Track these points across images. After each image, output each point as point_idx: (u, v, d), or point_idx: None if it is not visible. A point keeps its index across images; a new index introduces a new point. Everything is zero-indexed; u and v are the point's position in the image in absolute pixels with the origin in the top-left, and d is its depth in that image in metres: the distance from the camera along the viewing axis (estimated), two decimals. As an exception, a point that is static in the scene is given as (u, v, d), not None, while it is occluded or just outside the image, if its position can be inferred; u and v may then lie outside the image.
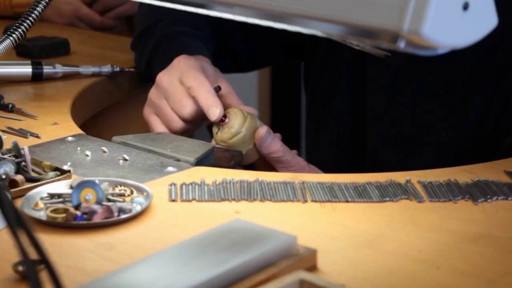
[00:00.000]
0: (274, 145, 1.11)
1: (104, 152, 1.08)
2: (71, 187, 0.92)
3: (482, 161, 1.06)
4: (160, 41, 1.33)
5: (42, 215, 0.88)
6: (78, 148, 1.09)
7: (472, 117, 1.18)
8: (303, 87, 1.46)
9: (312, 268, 0.77)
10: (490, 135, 1.17)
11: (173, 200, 0.93)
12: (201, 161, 1.05)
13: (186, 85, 1.16)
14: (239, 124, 1.11)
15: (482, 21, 0.64)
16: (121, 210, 0.88)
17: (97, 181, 0.90)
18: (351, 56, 1.28)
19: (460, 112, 1.19)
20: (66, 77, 1.41)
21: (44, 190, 0.92)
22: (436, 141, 1.21)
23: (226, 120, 1.11)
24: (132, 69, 1.45)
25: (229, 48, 1.42)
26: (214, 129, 1.13)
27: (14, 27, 1.13)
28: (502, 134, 1.16)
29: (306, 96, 1.44)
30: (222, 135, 1.11)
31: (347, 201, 0.93)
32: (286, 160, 1.12)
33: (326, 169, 1.15)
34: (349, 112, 1.30)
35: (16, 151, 1.00)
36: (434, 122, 1.21)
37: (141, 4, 1.46)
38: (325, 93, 1.35)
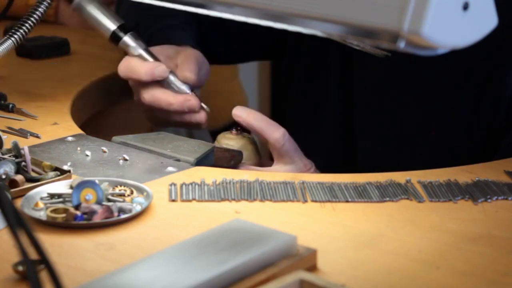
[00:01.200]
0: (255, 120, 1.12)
1: (104, 152, 1.08)
2: (71, 187, 0.92)
3: (475, 159, 1.06)
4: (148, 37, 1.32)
5: (42, 215, 0.88)
6: (78, 148, 1.09)
7: (463, 116, 1.18)
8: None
9: (312, 268, 0.77)
10: (483, 134, 1.17)
11: (173, 200, 0.93)
12: (201, 161, 1.05)
13: None
14: None
15: (482, 21, 0.64)
16: (121, 210, 0.88)
17: (97, 181, 0.90)
18: (337, 57, 1.28)
19: (451, 111, 1.19)
20: (66, 77, 1.41)
21: (44, 190, 0.92)
22: (428, 140, 1.21)
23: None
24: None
25: (205, 44, 1.41)
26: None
27: (16, 28, 1.13)
28: (495, 133, 1.16)
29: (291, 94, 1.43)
30: (226, 135, 1.13)
31: (347, 201, 0.93)
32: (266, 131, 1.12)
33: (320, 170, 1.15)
34: (339, 113, 1.30)
35: (16, 151, 1.00)
36: (424, 122, 1.21)
37: (120, 2, 1.44)
38: (314, 96, 1.34)
